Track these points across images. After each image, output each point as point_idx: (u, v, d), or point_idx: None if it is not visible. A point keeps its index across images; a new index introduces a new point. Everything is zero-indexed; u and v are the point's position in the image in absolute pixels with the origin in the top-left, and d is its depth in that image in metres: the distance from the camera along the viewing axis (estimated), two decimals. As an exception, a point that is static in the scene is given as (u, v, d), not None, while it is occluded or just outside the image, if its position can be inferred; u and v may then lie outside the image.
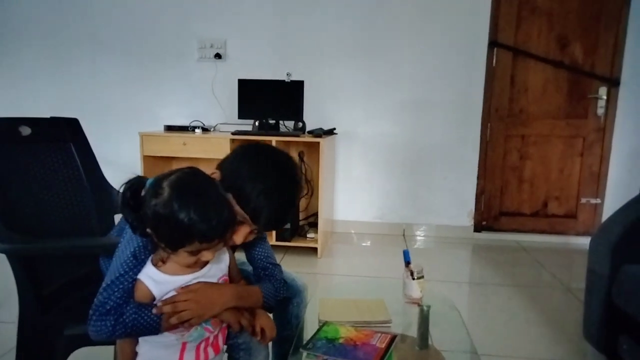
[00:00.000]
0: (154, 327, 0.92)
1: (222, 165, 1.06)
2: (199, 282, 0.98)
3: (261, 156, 1.07)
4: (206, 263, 0.97)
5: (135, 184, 0.91)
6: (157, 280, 0.94)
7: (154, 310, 0.92)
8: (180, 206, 0.85)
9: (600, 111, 3.40)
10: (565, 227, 3.57)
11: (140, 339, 0.98)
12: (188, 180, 0.91)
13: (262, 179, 1.01)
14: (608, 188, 3.49)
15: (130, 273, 0.93)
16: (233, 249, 1.21)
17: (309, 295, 1.40)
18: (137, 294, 0.94)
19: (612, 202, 3.44)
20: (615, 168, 3.45)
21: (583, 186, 3.52)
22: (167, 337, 0.95)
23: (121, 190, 0.90)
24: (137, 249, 0.94)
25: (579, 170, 3.51)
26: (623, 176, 3.44)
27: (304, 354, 1.11)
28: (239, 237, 1.04)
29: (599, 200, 3.51)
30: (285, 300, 1.29)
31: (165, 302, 0.93)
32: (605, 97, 3.37)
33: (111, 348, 1.57)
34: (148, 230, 0.90)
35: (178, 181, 0.89)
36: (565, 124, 3.46)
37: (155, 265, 0.95)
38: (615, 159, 3.45)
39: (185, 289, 0.95)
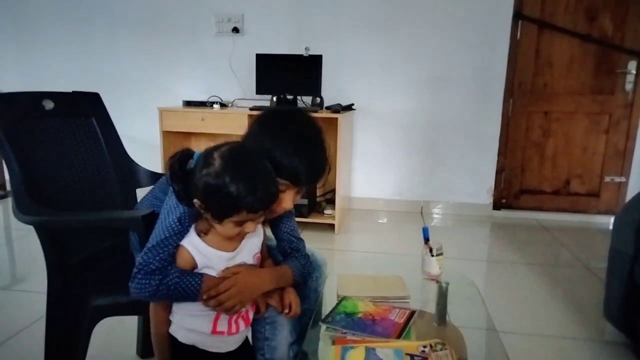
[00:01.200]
0: (194, 294, 0.95)
1: (245, 141, 1.07)
2: (239, 267, 1.00)
3: (277, 120, 1.10)
4: (244, 236, 1.00)
5: (183, 156, 0.93)
6: (200, 251, 0.97)
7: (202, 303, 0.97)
8: (231, 177, 0.87)
9: (629, 86, 3.28)
10: (587, 205, 3.51)
11: (175, 307, 1.00)
12: (238, 152, 0.94)
13: (287, 141, 1.02)
14: (633, 166, 3.39)
15: (175, 237, 0.96)
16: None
17: (327, 270, 1.41)
18: (179, 261, 0.96)
19: (637, 180, 3.36)
20: (642, 146, 3.36)
21: (607, 164, 3.43)
22: (201, 306, 0.98)
23: (170, 162, 0.92)
24: (182, 215, 0.97)
25: (603, 148, 3.42)
26: (650, 154, 3.35)
27: (323, 327, 1.13)
28: (288, 203, 1.07)
29: (623, 179, 3.43)
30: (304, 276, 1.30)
31: (210, 295, 0.96)
32: (634, 72, 3.25)
33: (135, 318, 1.62)
34: (195, 200, 0.91)
35: (229, 153, 0.91)
36: (590, 100, 3.36)
37: (198, 235, 0.97)
38: (643, 136, 3.34)
39: (228, 279, 0.98)
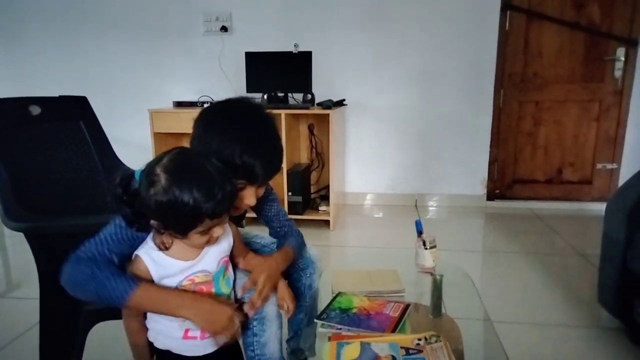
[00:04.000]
0: (120, 299, 0.88)
1: (192, 144, 1.04)
2: (260, 259, 1.10)
3: (220, 117, 1.03)
4: (213, 242, 0.96)
5: (124, 179, 0.87)
6: (158, 263, 0.93)
7: (245, 309, 1.02)
8: (182, 189, 0.82)
9: (618, 73, 3.30)
10: (580, 193, 3.53)
11: (148, 314, 0.98)
12: (182, 160, 0.88)
13: (235, 139, 0.97)
14: (625, 153, 3.42)
15: (120, 234, 0.93)
16: (241, 217, 1.22)
17: (322, 266, 1.42)
18: (134, 270, 0.92)
19: (628, 166, 3.38)
20: (632, 132, 3.37)
21: (599, 151, 3.45)
22: (170, 324, 0.97)
23: (112, 187, 0.87)
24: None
25: (594, 136, 3.43)
26: (640, 140, 3.37)
27: (319, 324, 1.13)
28: (250, 199, 1.03)
29: (615, 166, 3.45)
30: (298, 271, 1.30)
31: (246, 287, 1.04)
32: (623, 59, 3.26)
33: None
34: (152, 222, 0.88)
35: (171, 164, 0.85)
36: (580, 88, 3.37)
37: (159, 248, 0.93)
38: (633, 122, 3.36)
39: (261, 275, 1.05)
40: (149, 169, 0.86)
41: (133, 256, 0.94)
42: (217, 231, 0.92)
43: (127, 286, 0.88)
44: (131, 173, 0.88)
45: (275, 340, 1.08)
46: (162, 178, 0.83)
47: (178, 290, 0.94)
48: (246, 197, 1.03)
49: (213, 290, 0.99)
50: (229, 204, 0.89)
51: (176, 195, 0.82)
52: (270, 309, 1.07)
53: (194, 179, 0.84)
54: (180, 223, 0.87)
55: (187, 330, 0.98)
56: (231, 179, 0.90)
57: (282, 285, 1.13)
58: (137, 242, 0.95)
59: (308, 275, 1.31)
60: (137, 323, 0.99)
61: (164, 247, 0.93)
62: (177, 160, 0.87)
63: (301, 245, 1.27)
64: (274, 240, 1.30)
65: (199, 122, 1.04)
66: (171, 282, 0.94)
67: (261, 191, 1.09)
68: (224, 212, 0.89)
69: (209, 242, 0.94)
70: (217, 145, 0.96)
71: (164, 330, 0.98)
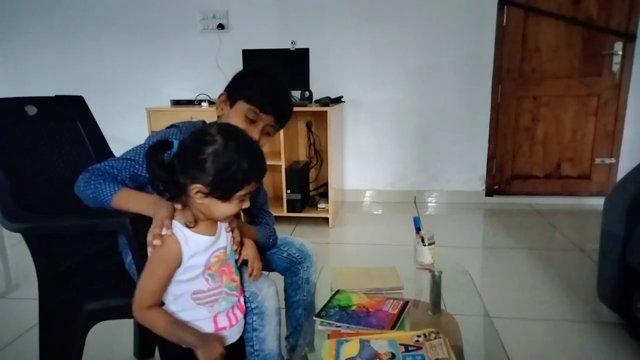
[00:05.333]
0: (107, 200, 1.03)
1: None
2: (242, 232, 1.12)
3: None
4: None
5: (161, 143, 0.90)
6: (189, 240, 0.94)
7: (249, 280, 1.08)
8: (240, 150, 0.89)
9: (616, 67, 3.29)
10: (579, 188, 3.53)
11: (179, 313, 0.96)
12: (230, 126, 0.98)
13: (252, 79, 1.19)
14: (623, 147, 3.42)
15: (135, 159, 1.09)
16: None
17: (320, 264, 1.42)
18: (163, 254, 0.92)
19: (627, 161, 3.38)
20: (630, 126, 3.37)
21: (597, 146, 3.45)
22: (199, 312, 0.97)
23: (151, 153, 0.89)
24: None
25: (593, 130, 3.43)
26: (639, 134, 3.36)
27: (318, 321, 1.13)
28: (264, 143, 1.16)
29: (613, 160, 3.45)
30: (295, 264, 1.31)
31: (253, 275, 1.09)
32: (620, 53, 3.26)
33: (130, 322, 1.61)
34: (195, 186, 0.89)
35: (224, 128, 0.93)
36: (578, 83, 3.37)
37: (186, 225, 0.94)
38: (631, 116, 3.36)
39: (251, 251, 1.11)
40: (200, 132, 0.91)
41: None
42: (247, 200, 0.95)
43: (113, 189, 1.03)
44: (166, 140, 0.90)
45: (274, 335, 1.08)
46: (219, 139, 0.88)
47: (149, 195, 1.04)
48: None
49: (232, 269, 1.03)
50: (265, 169, 0.96)
51: (235, 154, 0.88)
52: (270, 303, 1.07)
53: (247, 142, 0.93)
54: (231, 184, 0.90)
55: (216, 322, 0.99)
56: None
57: (248, 244, 1.14)
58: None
59: (305, 268, 1.32)
60: (161, 314, 0.95)
61: (191, 225, 0.94)
62: (227, 125, 0.97)
63: (268, 237, 1.29)
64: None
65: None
66: (200, 260, 0.95)
67: (266, 140, 1.18)
68: (262, 178, 0.97)
69: (236, 213, 0.97)
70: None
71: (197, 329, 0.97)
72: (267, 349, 1.07)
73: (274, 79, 1.19)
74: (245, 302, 1.08)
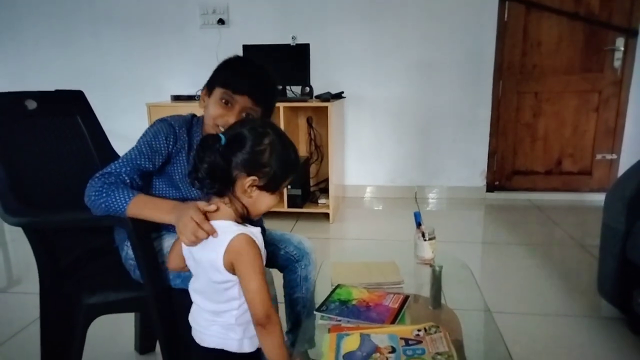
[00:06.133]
0: (121, 208, 1.02)
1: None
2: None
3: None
4: None
5: (211, 138, 0.89)
6: (256, 235, 0.91)
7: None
8: (288, 142, 0.95)
9: (617, 63, 3.28)
10: (580, 184, 3.52)
11: (237, 327, 0.93)
12: (266, 120, 1.05)
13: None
14: (624, 143, 3.41)
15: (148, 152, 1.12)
16: None
17: (321, 259, 1.42)
18: (256, 251, 0.89)
19: (628, 157, 3.37)
20: (632, 122, 3.36)
21: (598, 142, 3.44)
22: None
23: (206, 144, 0.88)
24: (168, 135, 1.13)
25: (594, 126, 3.43)
26: (640, 130, 3.36)
27: (318, 316, 1.13)
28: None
29: (614, 156, 3.45)
30: (292, 263, 1.31)
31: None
32: (622, 49, 3.25)
33: (131, 316, 1.62)
34: (250, 179, 0.89)
35: (269, 123, 0.97)
36: (580, 79, 3.36)
37: (242, 217, 0.93)
38: (632, 112, 3.35)
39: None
40: (253, 125, 0.93)
41: (233, 239, 0.88)
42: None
43: (127, 196, 1.01)
44: (214, 135, 0.90)
45: None
46: (270, 130, 0.92)
47: (166, 199, 1.07)
48: None
49: None
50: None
51: (288, 145, 0.94)
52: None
53: (285, 133, 0.97)
54: (284, 175, 0.94)
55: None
56: None
57: None
58: (161, 157, 1.12)
59: (303, 266, 1.31)
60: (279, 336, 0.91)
61: (240, 221, 0.93)
62: (266, 120, 1.02)
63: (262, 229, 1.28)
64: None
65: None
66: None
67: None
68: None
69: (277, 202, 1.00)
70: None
71: (253, 330, 0.93)
72: None
73: (249, 62, 1.20)
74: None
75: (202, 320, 0.97)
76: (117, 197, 1.01)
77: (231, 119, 1.10)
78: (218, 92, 1.13)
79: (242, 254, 0.88)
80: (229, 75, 1.13)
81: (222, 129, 1.08)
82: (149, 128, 1.18)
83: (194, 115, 1.23)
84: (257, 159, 0.90)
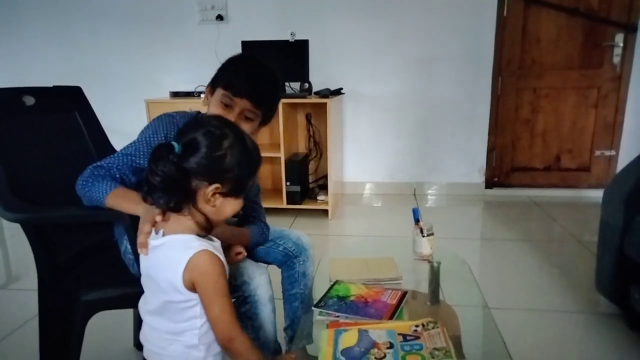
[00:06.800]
0: (100, 199, 1.03)
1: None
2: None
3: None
4: None
5: (163, 150, 0.81)
6: (218, 251, 0.87)
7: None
8: (247, 141, 0.87)
9: (616, 59, 3.28)
10: (578, 180, 3.53)
11: (202, 346, 0.88)
12: (221, 117, 0.94)
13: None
14: (623, 139, 3.41)
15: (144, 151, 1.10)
16: None
17: (319, 255, 1.42)
18: (220, 267, 0.83)
19: (627, 153, 3.37)
20: (630, 118, 3.36)
21: (597, 138, 3.44)
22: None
23: (157, 155, 0.81)
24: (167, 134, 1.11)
25: (593, 122, 3.43)
26: (639, 127, 3.35)
27: (317, 311, 1.13)
28: (245, 128, 1.08)
29: (613, 152, 3.45)
30: (291, 259, 1.31)
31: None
32: (621, 45, 3.24)
33: (130, 312, 1.62)
34: (213, 187, 0.82)
35: (224, 121, 0.89)
36: (579, 75, 3.36)
37: (205, 230, 0.87)
38: (631, 108, 3.35)
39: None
40: (208, 128, 0.83)
41: (192, 256, 0.81)
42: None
43: (108, 188, 1.03)
44: (166, 144, 0.82)
45: (269, 323, 1.08)
46: (229, 132, 0.85)
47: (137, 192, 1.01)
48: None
49: None
50: None
51: (248, 144, 0.86)
52: (262, 292, 1.07)
53: (243, 132, 0.89)
54: (248, 176, 0.88)
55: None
56: None
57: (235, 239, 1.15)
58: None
59: (301, 262, 1.32)
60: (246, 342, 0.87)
61: (203, 234, 0.87)
62: (218, 116, 0.94)
63: (261, 235, 1.27)
64: None
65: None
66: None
67: (253, 125, 1.14)
68: None
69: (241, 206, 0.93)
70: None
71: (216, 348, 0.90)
72: (262, 336, 1.08)
73: (253, 63, 1.16)
74: (235, 291, 1.08)
75: (159, 341, 0.89)
76: (99, 189, 1.03)
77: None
78: (219, 93, 1.12)
79: (205, 275, 0.82)
80: (231, 77, 1.11)
81: None
82: (150, 123, 1.18)
83: (198, 112, 1.22)
84: (218, 165, 0.82)
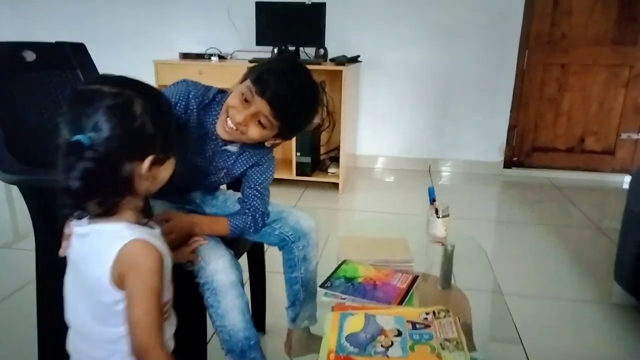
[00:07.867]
0: None
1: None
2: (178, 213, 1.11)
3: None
4: None
5: (70, 152, 0.69)
6: (157, 237, 0.79)
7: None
8: (152, 94, 0.78)
9: (654, 36, 3.09)
10: (602, 163, 3.39)
11: None
12: (119, 78, 0.77)
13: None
14: (652, 122, 3.25)
15: None
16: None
17: (328, 231, 1.35)
18: (153, 261, 0.74)
19: (655, 137, 3.22)
20: (663, 100, 3.20)
21: (625, 120, 3.29)
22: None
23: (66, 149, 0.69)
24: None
25: (622, 103, 3.26)
26: (671, 109, 3.19)
27: (322, 292, 1.08)
28: (253, 131, 1.03)
29: (640, 136, 3.30)
30: (289, 244, 1.24)
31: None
32: (660, 21, 3.04)
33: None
34: (143, 165, 0.73)
35: (121, 80, 0.76)
36: (610, 51, 3.17)
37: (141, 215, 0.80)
38: (665, 90, 3.18)
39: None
40: (108, 103, 0.69)
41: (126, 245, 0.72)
42: None
43: None
44: (71, 143, 0.68)
45: (234, 310, 1.02)
46: (133, 93, 0.72)
47: None
48: (250, 130, 1.02)
49: None
50: None
51: (155, 96, 0.78)
52: (220, 277, 1.01)
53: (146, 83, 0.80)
54: (172, 131, 0.80)
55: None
56: None
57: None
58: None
59: (300, 247, 1.24)
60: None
61: (143, 221, 0.79)
62: (109, 79, 0.75)
63: (246, 227, 1.15)
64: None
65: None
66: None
67: (266, 133, 1.04)
68: None
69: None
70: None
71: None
72: (229, 324, 1.02)
73: (295, 72, 1.04)
74: (194, 278, 1.03)
75: (94, 351, 0.78)
76: None
77: (239, 117, 0.99)
78: (246, 83, 1.01)
79: (134, 267, 0.71)
80: (264, 73, 1.00)
81: (230, 122, 1.01)
82: (166, 88, 1.09)
83: (220, 91, 1.12)
84: (141, 136, 0.72)
